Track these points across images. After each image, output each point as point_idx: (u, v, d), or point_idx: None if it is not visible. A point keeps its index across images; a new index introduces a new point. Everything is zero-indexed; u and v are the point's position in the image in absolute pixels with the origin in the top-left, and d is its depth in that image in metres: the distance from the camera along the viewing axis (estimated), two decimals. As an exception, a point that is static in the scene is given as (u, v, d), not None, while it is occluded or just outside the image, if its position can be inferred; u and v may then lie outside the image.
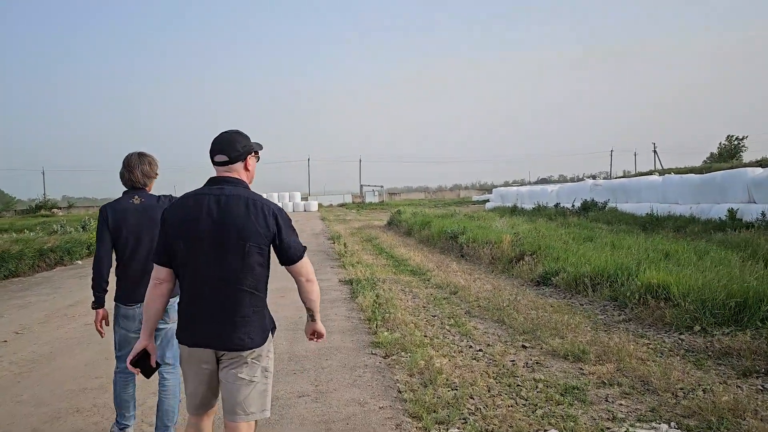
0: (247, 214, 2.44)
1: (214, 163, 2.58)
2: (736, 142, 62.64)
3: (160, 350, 3.45)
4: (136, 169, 3.53)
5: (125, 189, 3.61)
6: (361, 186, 69.87)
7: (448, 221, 19.60)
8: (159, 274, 2.54)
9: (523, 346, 5.68)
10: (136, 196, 3.54)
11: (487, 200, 53.67)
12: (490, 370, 4.93)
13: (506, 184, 74.91)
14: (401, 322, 6.56)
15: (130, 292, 3.50)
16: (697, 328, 5.81)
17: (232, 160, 2.56)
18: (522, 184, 73.19)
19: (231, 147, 2.55)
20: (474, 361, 5.19)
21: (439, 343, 5.81)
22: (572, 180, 75.13)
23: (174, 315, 3.29)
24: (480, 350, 5.54)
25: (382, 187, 69.57)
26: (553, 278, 9.00)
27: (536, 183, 71.70)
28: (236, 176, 2.58)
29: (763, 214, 13.79)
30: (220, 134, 2.59)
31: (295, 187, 61.56)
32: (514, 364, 5.05)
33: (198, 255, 2.44)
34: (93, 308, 3.62)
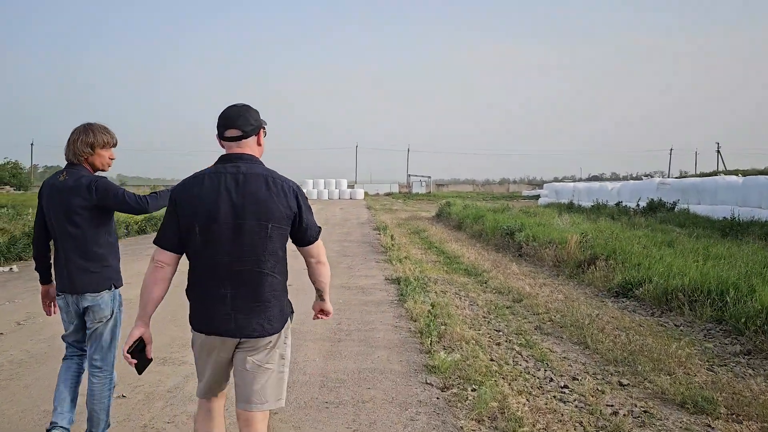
0: (269, 193, 2.31)
1: (225, 139, 2.40)
2: (809, 145, 58.62)
3: (89, 348, 3.19)
4: (72, 143, 3.14)
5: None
6: (409, 176, 68.70)
7: (502, 216, 18.26)
8: (162, 257, 2.35)
9: (620, 384, 4.43)
10: (65, 173, 3.15)
11: (538, 195, 51.83)
12: (584, 418, 3.71)
13: (556, 180, 72.40)
14: (460, 338, 5.39)
15: (57, 279, 3.18)
16: None
17: (246, 135, 2.39)
18: (574, 180, 70.59)
19: (244, 121, 2.39)
20: (560, 403, 3.99)
21: (510, 371, 4.62)
22: (626, 178, 72.15)
23: (108, 311, 3.12)
24: (565, 386, 4.33)
25: (429, 177, 68.21)
26: (635, 289, 7.66)
27: (588, 180, 69.04)
28: (250, 152, 2.42)
29: None
30: (229, 108, 2.43)
31: (342, 174, 60.93)
32: (615, 414, 3.82)
33: (216, 238, 2.28)
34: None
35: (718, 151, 66.91)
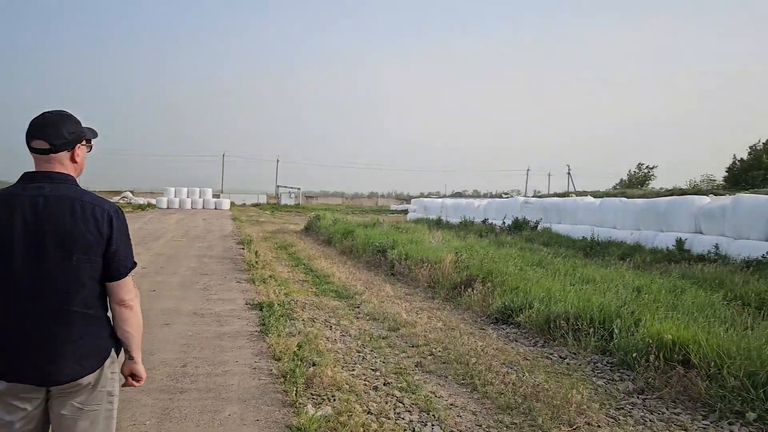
0: (74, 219, 2.00)
1: (32, 151, 2.06)
2: (646, 170, 64.87)
3: None
4: None
5: None
6: (277, 187, 66.94)
7: (373, 232, 17.69)
8: None
9: (519, 440, 3.79)
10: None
11: (406, 210, 52.60)
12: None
13: (422, 195, 74.13)
14: (331, 384, 4.52)
15: None
16: (752, 415, 4.14)
17: (55, 148, 2.05)
18: (439, 196, 72.74)
19: (55, 131, 2.05)
20: (456, 476, 3.23)
21: (392, 429, 3.81)
22: (486, 195, 75.69)
23: None
24: (459, 449, 3.59)
25: (298, 189, 66.93)
26: (516, 316, 7.23)
27: (452, 196, 71.40)
28: (60, 170, 2.08)
29: (716, 246, 12.81)
30: (42, 115, 2.07)
31: (208, 183, 57.92)
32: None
33: (9, 274, 1.96)
34: None
35: (569, 173, 72.18)
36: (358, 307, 8.20)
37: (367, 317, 7.49)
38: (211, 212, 42.34)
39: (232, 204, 53.61)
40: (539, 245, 16.17)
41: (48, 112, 2.09)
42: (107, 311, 2.12)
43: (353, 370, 5.08)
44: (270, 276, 10.32)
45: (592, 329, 6.20)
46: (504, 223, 21.81)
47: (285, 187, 65.80)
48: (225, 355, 5.36)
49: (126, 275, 2.10)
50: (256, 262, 11.88)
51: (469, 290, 8.69)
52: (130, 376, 2.24)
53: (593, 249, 15.25)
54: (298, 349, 4.95)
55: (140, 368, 2.23)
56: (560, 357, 5.88)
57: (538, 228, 20.55)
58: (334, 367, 4.94)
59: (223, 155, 73.23)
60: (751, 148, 44.40)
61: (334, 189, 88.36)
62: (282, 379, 4.63)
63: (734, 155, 45.13)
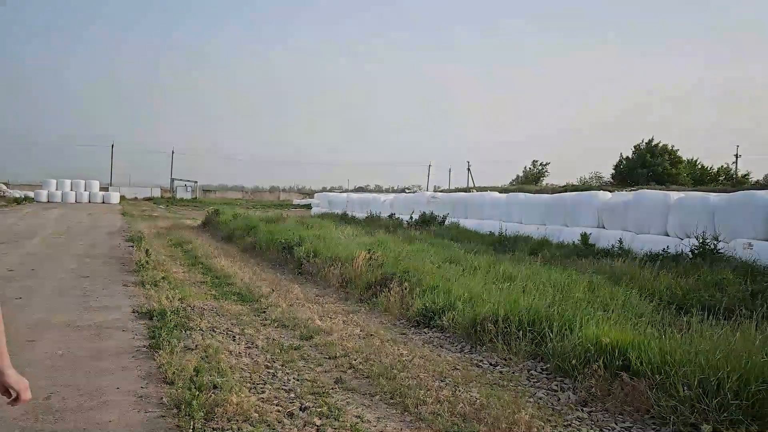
0: None
1: None
2: (540, 167, 67.58)
3: None
4: None
5: None
6: (172, 180, 63.57)
7: (277, 227, 16.77)
8: None
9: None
10: None
11: (309, 205, 51.65)
12: None
13: (324, 190, 73.26)
14: (238, 413, 3.73)
15: None
16: (707, 428, 3.79)
17: None
18: (342, 190, 72.19)
19: None
20: None
21: (315, 472, 3.10)
22: (388, 190, 76.09)
23: None
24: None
25: (195, 182, 63.99)
26: (438, 318, 6.71)
27: (355, 191, 71.07)
28: None
29: (620, 241, 13.02)
30: None
31: (95, 175, 53.88)
32: None
33: None
34: None
35: (469, 169, 73.87)
36: (265, 311, 7.38)
37: (276, 324, 6.70)
38: (98, 207, 39.41)
39: (122, 198, 50.35)
40: (448, 240, 15.89)
41: None
42: None
43: (263, 392, 4.31)
44: (163, 278, 9.22)
45: (521, 332, 5.78)
46: (411, 218, 21.51)
47: (181, 180, 62.69)
48: (103, 379, 4.41)
49: None
50: (147, 262, 10.68)
51: (386, 291, 8.09)
52: (6, 393, 1.76)
53: (502, 244, 15.19)
54: (196, 375, 4.09)
55: (17, 380, 1.77)
56: (491, 364, 5.40)
57: (446, 223, 20.40)
58: (240, 390, 4.15)
59: (112, 145, 68.31)
60: (635, 147, 47.22)
61: (233, 183, 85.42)
62: (175, 411, 3.78)
63: (621, 154, 47.80)
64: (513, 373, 5.12)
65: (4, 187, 48.61)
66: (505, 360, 5.47)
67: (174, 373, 4.40)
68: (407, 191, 70.16)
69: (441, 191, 48.34)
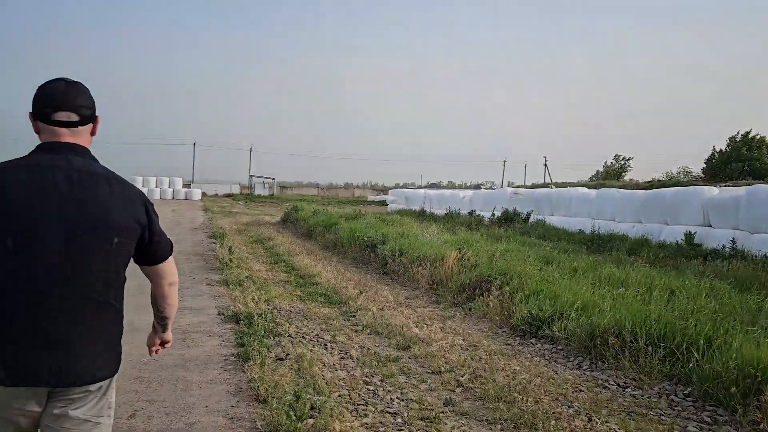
0: (113, 199, 1.80)
1: (53, 123, 1.81)
2: (623, 162, 64.56)
3: None
4: None
5: None
6: (251, 177, 64.98)
7: (357, 224, 16.36)
8: None
9: None
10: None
11: (384, 201, 51.44)
12: None
13: (397, 186, 72.93)
14: (341, 442, 3.22)
15: None
16: None
17: (84, 120, 1.86)
18: (415, 187, 71.56)
19: (84, 101, 1.85)
20: None
21: None
22: (461, 186, 74.88)
23: None
24: None
25: (272, 179, 65.08)
26: (547, 327, 6.01)
27: (427, 187, 70.27)
28: (83, 144, 1.87)
29: (732, 240, 11.78)
30: (59, 83, 1.85)
31: (178, 173, 55.81)
32: None
33: (35, 255, 1.70)
34: None
35: (545, 164, 71.45)
36: (354, 315, 6.90)
37: (368, 330, 6.19)
38: (181, 203, 40.55)
39: (204, 194, 51.74)
40: (536, 239, 15.01)
41: (62, 79, 1.87)
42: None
43: (365, 415, 3.78)
44: (247, 276, 8.95)
45: (651, 347, 5.01)
46: (493, 215, 20.69)
47: (259, 177, 63.95)
48: (191, 395, 4.01)
49: (171, 254, 2.05)
50: (230, 260, 10.49)
51: (483, 295, 7.44)
52: (161, 345, 2.26)
53: (595, 243, 14.18)
54: (296, 400, 3.58)
55: (170, 335, 2.27)
56: (619, 386, 4.67)
57: (530, 220, 19.45)
58: (341, 414, 3.64)
59: (194, 144, 70.82)
60: (730, 140, 44.13)
61: (308, 179, 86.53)
62: (271, 436, 3.31)
63: (713, 147, 44.80)
64: (649, 398, 4.38)
65: (96, 185, 51.01)
66: (635, 381, 4.73)
67: (267, 390, 3.94)
68: (482, 187, 68.80)
69: (517, 187, 46.87)
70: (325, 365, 4.81)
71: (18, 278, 1.71)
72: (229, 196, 55.69)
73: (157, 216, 1.97)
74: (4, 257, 1.71)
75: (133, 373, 4.40)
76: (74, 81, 1.89)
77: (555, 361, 5.29)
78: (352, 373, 4.69)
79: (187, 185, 53.35)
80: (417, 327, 6.29)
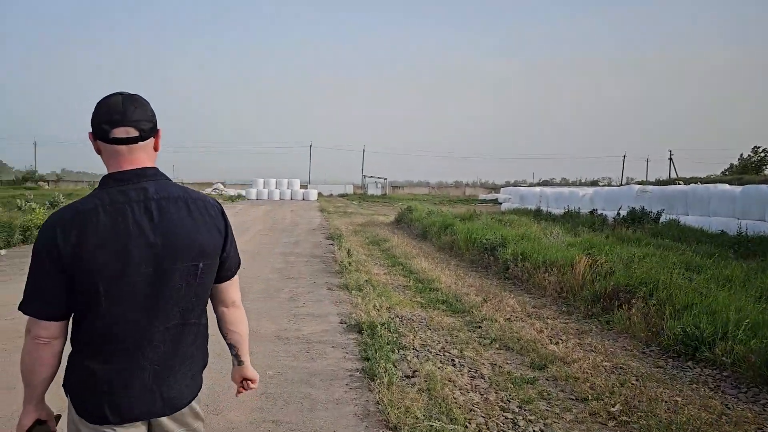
0: (194, 223, 1.73)
1: (112, 141, 1.68)
2: (762, 154, 58.95)
3: None
4: None
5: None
6: (364, 177, 66.04)
7: (473, 225, 15.83)
8: (47, 331, 1.67)
9: None
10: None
11: (496, 199, 50.28)
12: None
13: (508, 184, 71.03)
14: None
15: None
16: None
17: (144, 135, 1.72)
18: (527, 184, 69.35)
19: (143, 114, 1.72)
20: None
21: None
22: (575, 183, 71.60)
23: None
24: None
25: (385, 179, 65.70)
26: (707, 349, 5.25)
27: (539, 184, 67.83)
28: (147, 163, 1.74)
29: None
30: (116, 97, 1.71)
31: (295, 174, 57.81)
32: None
33: (128, 296, 1.65)
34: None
35: (671, 159, 66.60)
36: (480, 326, 6.47)
37: (497, 344, 5.74)
38: (298, 203, 41.81)
39: (320, 195, 53.17)
40: (670, 241, 13.74)
41: (120, 93, 1.72)
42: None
43: (508, 450, 3.36)
44: (366, 281, 8.77)
45: None
46: (618, 214, 19.34)
47: (371, 177, 64.84)
48: (318, 416, 3.78)
49: (236, 272, 1.94)
50: (349, 263, 10.39)
51: (623, 306, 6.74)
52: (244, 381, 2.04)
53: (743, 247, 12.74)
54: (416, 395, 3.23)
55: (252, 371, 2.03)
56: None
57: (661, 220, 17.96)
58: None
59: (311, 145, 73.26)
60: None
61: (418, 178, 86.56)
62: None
63: None
64: None
65: (222, 187, 53.98)
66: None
67: (398, 417, 3.62)
68: (600, 184, 65.41)
69: (639, 183, 43.81)
70: (455, 385, 4.44)
71: (118, 322, 1.67)
72: (343, 196, 56.90)
73: (232, 230, 1.89)
74: (94, 302, 1.66)
75: (259, 388, 4.24)
76: (132, 94, 1.76)
77: (723, 392, 4.57)
78: (485, 396, 4.28)
79: (303, 186, 55.05)
80: (552, 342, 5.75)
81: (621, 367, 5.03)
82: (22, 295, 1.66)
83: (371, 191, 61.08)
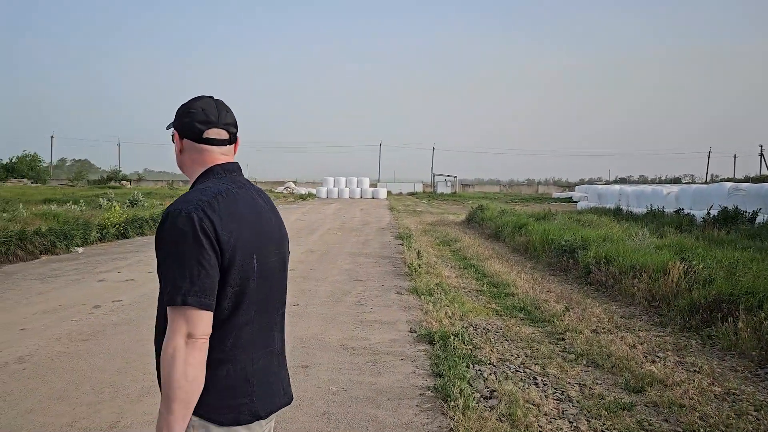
0: (278, 217, 1.78)
1: (203, 141, 1.69)
2: None
3: None
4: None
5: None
6: (434, 175, 65.41)
7: (549, 225, 15.04)
8: (209, 325, 1.50)
9: None
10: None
11: (570, 198, 48.60)
12: None
13: (582, 182, 68.52)
14: None
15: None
16: None
17: (231, 140, 1.74)
18: (603, 182, 66.63)
19: (231, 120, 1.74)
20: None
21: None
22: (654, 181, 68.28)
23: None
24: None
25: (455, 177, 64.83)
26: (836, 374, 4.49)
27: (615, 182, 65.00)
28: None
29: None
30: (209, 99, 1.73)
31: (365, 172, 57.95)
32: None
33: (269, 277, 1.65)
34: None
35: (761, 154, 62.37)
36: (563, 338, 5.89)
37: (584, 360, 5.16)
38: (368, 202, 41.77)
39: (389, 193, 53.02)
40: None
41: (208, 96, 1.74)
42: None
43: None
44: (437, 284, 8.32)
45: None
46: (708, 214, 17.98)
47: (441, 175, 64.13)
48: (386, 444, 3.37)
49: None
50: (419, 265, 9.96)
51: (726, 320, 5.98)
52: None
53: None
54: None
55: None
56: None
57: (757, 221, 16.54)
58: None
59: (380, 144, 73.41)
60: None
61: (488, 176, 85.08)
62: None
63: None
64: None
65: (293, 185, 54.78)
66: None
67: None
68: (683, 182, 62.04)
69: (729, 180, 40.99)
70: (539, 410, 3.92)
71: (257, 307, 1.63)
72: (412, 194, 56.53)
73: None
74: (247, 288, 1.58)
75: (321, 407, 3.88)
76: (219, 99, 1.78)
77: None
78: (575, 424, 3.74)
79: (373, 184, 55.08)
80: (647, 359, 5.12)
81: (733, 393, 4.36)
82: (170, 286, 1.44)
83: (441, 189, 60.40)
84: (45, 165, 62.95)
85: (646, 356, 5.24)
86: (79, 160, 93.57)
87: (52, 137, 72.09)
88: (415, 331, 5.85)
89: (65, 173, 69.89)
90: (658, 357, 5.26)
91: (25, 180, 52.40)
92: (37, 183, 51.56)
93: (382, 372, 4.64)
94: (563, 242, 11.42)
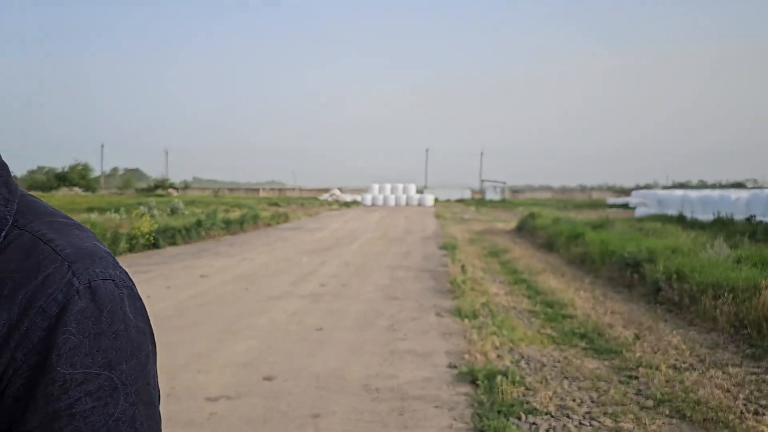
0: None
1: None
2: None
3: None
4: None
5: None
6: (482, 181, 64.06)
7: (609, 235, 13.81)
8: None
9: None
10: None
11: (626, 204, 46.43)
12: None
13: (637, 187, 65.67)
14: None
15: None
16: None
17: None
18: (660, 187, 63.69)
19: None
20: None
21: None
22: (714, 186, 64.85)
23: None
24: None
25: (504, 183, 63.30)
26: None
27: (673, 187, 62.02)
28: None
29: None
30: None
31: (412, 179, 57.02)
32: None
33: None
34: None
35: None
36: (636, 376, 4.85)
37: (665, 409, 4.12)
38: (413, 209, 40.86)
39: (436, 200, 51.99)
40: None
41: None
42: None
43: None
44: (483, 304, 7.35)
45: None
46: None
47: (489, 181, 62.78)
48: None
49: None
50: (463, 281, 8.99)
51: None
52: None
53: None
54: None
55: None
56: None
57: None
58: None
59: (427, 150, 72.36)
60: None
61: (539, 182, 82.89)
62: None
63: None
64: None
65: (338, 192, 54.43)
66: None
67: None
68: (748, 186, 58.65)
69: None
70: (617, 491, 2.94)
71: None
72: (460, 201, 55.33)
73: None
74: None
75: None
76: None
77: None
78: None
79: (419, 191, 54.17)
80: (748, 410, 4.04)
81: None
82: None
83: (489, 196, 58.97)
84: (97, 174, 64.70)
85: (746, 404, 4.16)
86: (131, 169, 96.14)
87: (102, 146, 74.23)
88: (455, 367, 4.90)
89: (117, 182, 71.79)
90: (760, 406, 4.17)
91: (76, 189, 53.77)
92: (87, 192, 52.81)
93: (409, 426, 3.72)
94: (626, 254, 10.23)
